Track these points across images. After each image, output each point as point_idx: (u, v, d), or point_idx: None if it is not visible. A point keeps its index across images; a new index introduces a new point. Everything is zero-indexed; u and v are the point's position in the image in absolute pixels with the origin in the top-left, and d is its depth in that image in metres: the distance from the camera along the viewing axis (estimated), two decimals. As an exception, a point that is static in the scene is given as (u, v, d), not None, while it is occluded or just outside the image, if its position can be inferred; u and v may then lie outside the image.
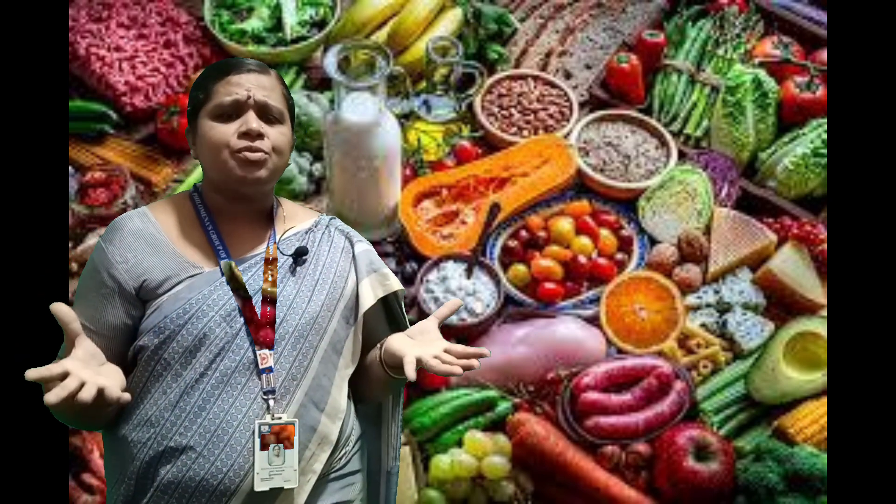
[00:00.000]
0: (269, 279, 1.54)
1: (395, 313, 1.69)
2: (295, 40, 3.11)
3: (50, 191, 2.05)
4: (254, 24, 3.13)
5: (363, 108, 2.53)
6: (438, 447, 2.44)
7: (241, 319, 1.50)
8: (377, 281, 1.62)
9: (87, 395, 1.32)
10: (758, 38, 3.15)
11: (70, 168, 2.86)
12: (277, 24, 3.13)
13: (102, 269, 1.51)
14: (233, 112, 1.53)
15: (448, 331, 2.58)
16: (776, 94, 2.93)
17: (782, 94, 2.93)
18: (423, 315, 2.61)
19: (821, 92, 2.90)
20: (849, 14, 1.98)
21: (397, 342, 1.53)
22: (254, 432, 1.46)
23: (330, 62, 2.41)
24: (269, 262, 1.55)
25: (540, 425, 2.41)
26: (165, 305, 1.49)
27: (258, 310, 1.51)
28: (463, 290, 2.62)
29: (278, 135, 1.56)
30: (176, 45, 3.11)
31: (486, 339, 2.60)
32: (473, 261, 2.67)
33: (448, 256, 2.69)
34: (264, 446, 1.46)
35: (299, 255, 1.57)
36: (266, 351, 1.50)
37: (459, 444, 2.44)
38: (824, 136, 2.81)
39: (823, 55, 3.05)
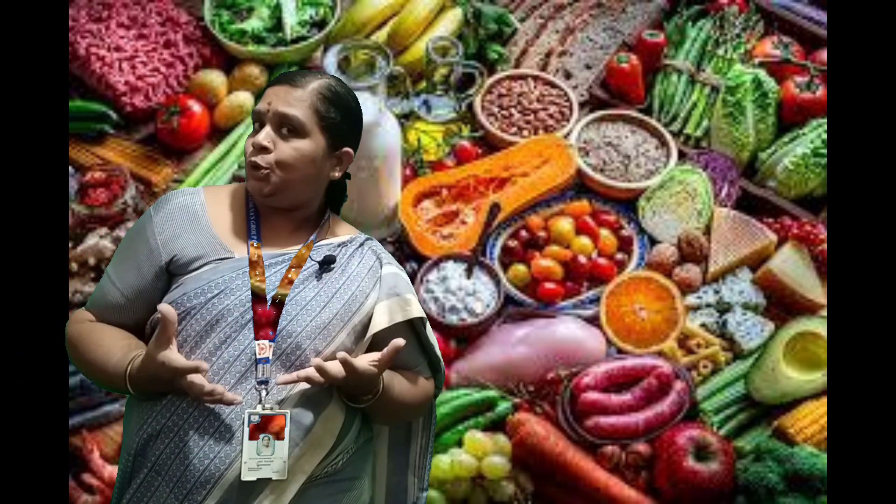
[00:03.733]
0: (287, 280, 1.55)
1: (422, 340, 1.66)
2: (295, 40, 3.11)
3: (50, 191, 2.05)
4: (254, 24, 3.12)
5: (363, 108, 2.52)
6: (438, 447, 2.44)
7: (251, 313, 1.52)
8: (397, 305, 1.59)
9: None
10: (758, 38, 3.15)
11: (70, 168, 2.86)
12: (277, 24, 3.13)
13: (142, 234, 1.58)
14: (258, 122, 1.59)
15: (448, 331, 2.58)
16: (776, 94, 2.92)
17: (782, 94, 2.93)
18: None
19: (821, 92, 2.90)
20: (849, 14, 1.98)
21: None
22: (244, 421, 1.46)
23: (330, 62, 2.42)
24: (295, 265, 1.57)
25: (540, 425, 2.41)
26: (188, 283, 1.53)
27: (268, 305, 1.53)
28: (463, 290, 2.62)
29: (289, 149, 1.56)
30: (176, 45, 3.11)
31: (486, 339, 2.60)
32: (473, 261, 2.67)
33: (448, 256, 2.69)
34: (253, 436, 1.46)
35: (326, 263, 1.57)
36: (265, 342, 1.51)
37: (459, 444, 2.44)
38: (824, 136, 2.81)
39: (823, 55, 3.05)
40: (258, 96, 1.67)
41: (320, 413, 1.52)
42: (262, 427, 1.46)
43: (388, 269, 1.62)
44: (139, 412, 1.53)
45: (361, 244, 1.64)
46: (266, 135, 1.57)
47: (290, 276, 1.55)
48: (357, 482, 1.61)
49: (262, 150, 1.56)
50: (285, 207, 1.62)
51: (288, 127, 1.57)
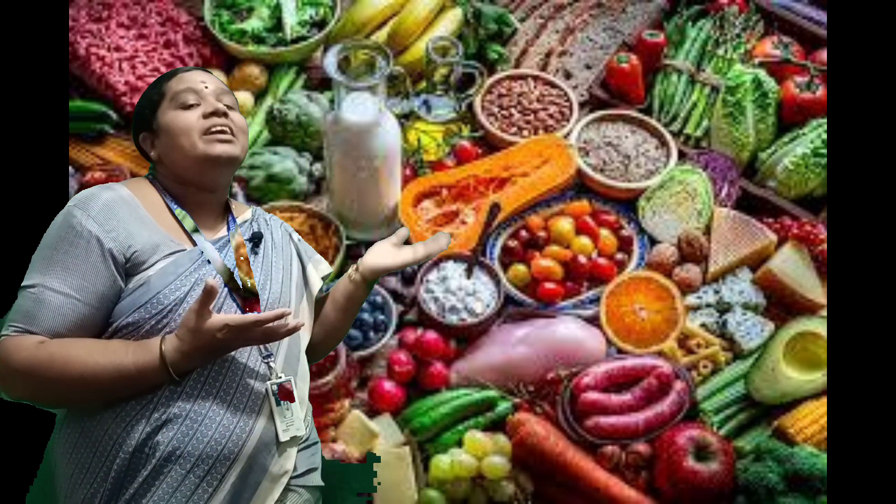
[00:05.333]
0: (244, 271, 1.61)
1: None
2: (295, 40, 3.11)
3: (50, 191, 2.05)
4: (254, 24, 3.12)
5: (363, 108, 2.53)
6: (438, 447, 2.44)
7: (226, 289, 1.57)
8: (315, 266, 1.80)
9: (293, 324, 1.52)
10: (758, 38, 3.15)
11: (70, 168, 2.86)
12: (277, 24, 3.13)
13: (81, 235, 1.50)
14: (193, 101, 1.61)
15: (448, 331, 2.58)
16: (776, 94, 2.92)
17: (782, 94, 2.93)
18: (423, 315, 2.61)
19: (821, 92, 2.90)
20: (849, 14, 1.99)
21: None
22: (266, 392, 1.57)
23: (330, 62, 2.41)
24: (242, 261, 1.62)
25: (540, 425, 2.41)
26: (154, 281, 1.51)
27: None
28: (463, 290, 2.62)
29: (238, 117, 1.66)
30: (176, 45, 3.11)
31: (486, 339, 2.60)
32: (473, 261, 2.67)
33: (448, 256, 2.69)
34: (278, 402, 1.59)
35: (258, 240, 1.67)
36: None
37: (459, 444, 2.44)
38: (824, 136, 2.81)
39: (823, 55, 3.04)
40: (153, 91, 1.64)
41: (297, 373, 1.65)
42: (281, 394, 1.60)
43: (295, 235, 1.81)
44: (126, 414, 1.49)
45: (264, 216, 1.76)
46: (218, 102, 1.62)
47: (244, 266, 1.62)
48: (318, 446, 1.74)
49: (224, 114, 1.61)
50: (225, 184, 1.68)
51: (226, 101, 1.65)
